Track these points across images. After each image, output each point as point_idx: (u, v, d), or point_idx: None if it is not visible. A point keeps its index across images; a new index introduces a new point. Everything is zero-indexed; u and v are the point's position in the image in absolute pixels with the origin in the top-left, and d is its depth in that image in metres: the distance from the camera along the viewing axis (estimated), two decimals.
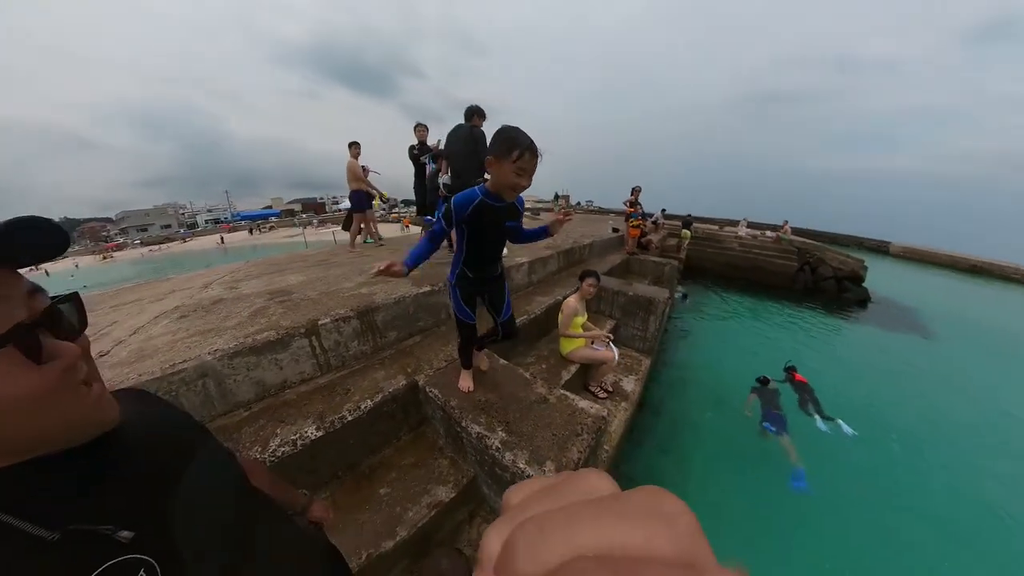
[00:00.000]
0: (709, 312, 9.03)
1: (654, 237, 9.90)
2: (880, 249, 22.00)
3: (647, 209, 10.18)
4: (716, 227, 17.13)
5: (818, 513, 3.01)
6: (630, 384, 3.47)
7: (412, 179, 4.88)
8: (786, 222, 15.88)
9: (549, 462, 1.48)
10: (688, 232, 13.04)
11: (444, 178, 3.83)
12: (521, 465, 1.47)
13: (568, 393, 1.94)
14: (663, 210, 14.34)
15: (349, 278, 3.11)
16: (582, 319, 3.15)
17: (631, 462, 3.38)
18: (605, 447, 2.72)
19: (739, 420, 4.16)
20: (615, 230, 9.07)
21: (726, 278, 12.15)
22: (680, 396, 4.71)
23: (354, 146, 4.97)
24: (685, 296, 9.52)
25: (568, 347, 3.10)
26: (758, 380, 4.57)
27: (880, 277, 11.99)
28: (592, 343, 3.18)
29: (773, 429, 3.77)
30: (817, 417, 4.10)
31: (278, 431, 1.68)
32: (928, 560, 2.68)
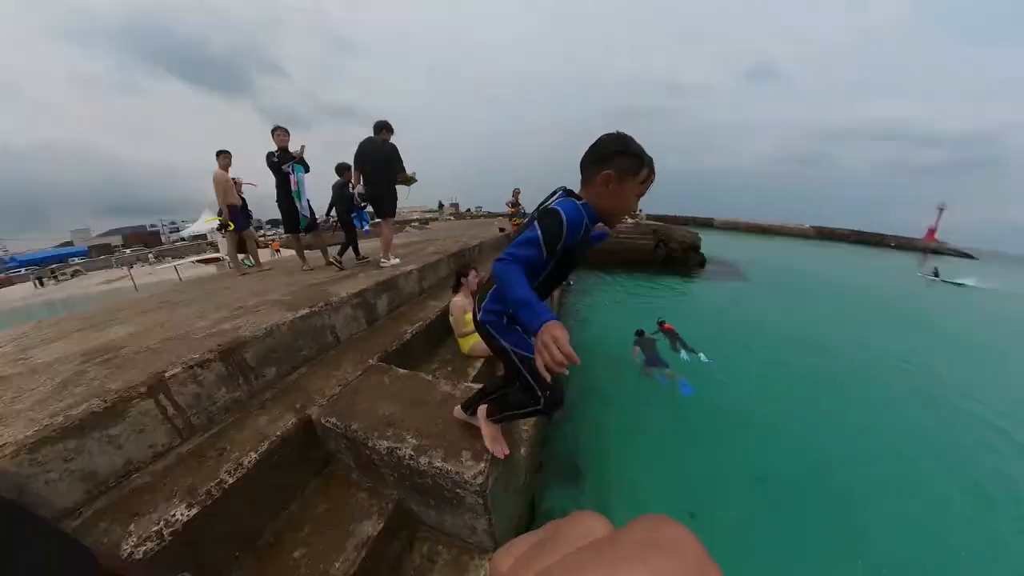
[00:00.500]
0: (594, 291, 10.30)
1: None
2: (708, 224, 28.48)
3: (530, 209, 11.03)
4: None
5: (699, 427, 3.95)
6: None
7: (276, 193, 4.34)
8: (640, 210, 18.89)
9: (465, 451, 1.50)
10: None
11: (359, 188, 4.08)
12: (438, 464, 1.45)
13: (474, 384, 1.98)
14: None
15: (204, 315, 2.59)
16: None
17: (552, 430, 3.79)
18: (524, 427, 2.83)
19: (633, 373, 5.10)
20: (502, 230, 9.55)
21: (604, 261, 13.82)
22: (583, 364, 5.44)
23: (223, 155, 4.21)
24: (570, 281, 10.61)
25: (468, 344, 3.15)
26: (636, 333, 5.67)
27: (710, 244, 15.45)
28: None
29: (658, 365, 4.85)
30: (683, 352, 5.36)
31: (131, 527, 1.32)
32: (766, 435, 3.85)
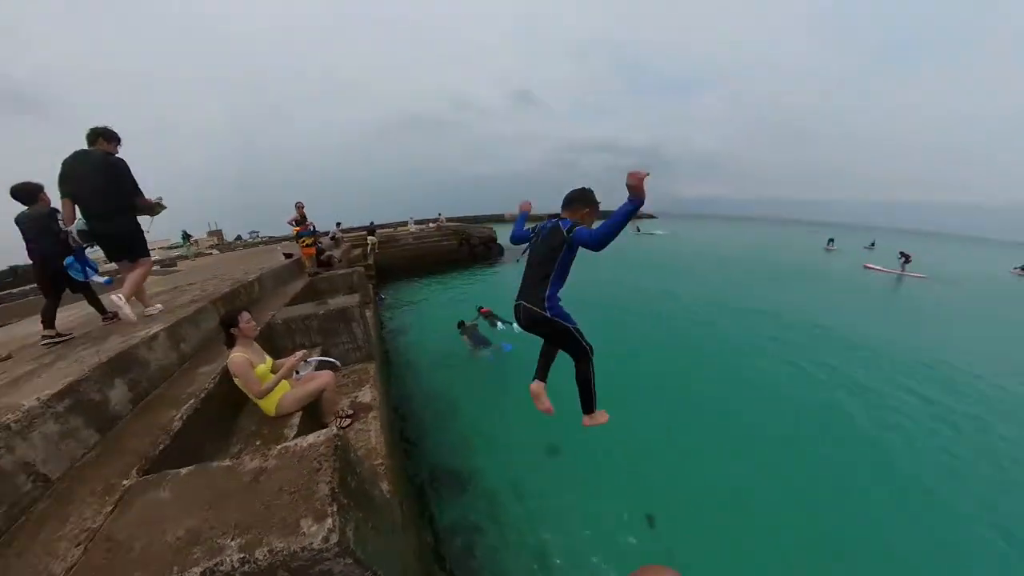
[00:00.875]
0: (412, 300, 10.28)
1: (335, 252, 9.66)
2: (499, 219, 35.42)
3: (322, 227, 9.80)
4: (392, 229, 18.86)
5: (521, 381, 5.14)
6: (367, 395, 3.43)
7: None
8: (440, 214, 19.90)
9: (304, 518, 1.28)
10: (374, 239, 13.84)
11: (79, 224, 2.77)
12: (280, 546, 1.17)
13: (290, 443, 1.68)
14: (338, 224, 14.10)
15: None
16: (266, 365, 2.63)
17: (417, 448, 3.90)
18: (377, 462, 2.59)
19: (466, 360, 5.79)
20: (288, 255, 8.18)
21: (414, 269, 13.87)
22: (420, 373, 5.61)
23: None
24: (382, 296, 10.24)
25: (272, 403, 2.56)
26: (458, 325, 6.38)
27: (504, 235, 19.27)
28: (296, 375, 2.82)
29: (484, 345, 5.75)
30: (500, 324, 6.49)
31: None
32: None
